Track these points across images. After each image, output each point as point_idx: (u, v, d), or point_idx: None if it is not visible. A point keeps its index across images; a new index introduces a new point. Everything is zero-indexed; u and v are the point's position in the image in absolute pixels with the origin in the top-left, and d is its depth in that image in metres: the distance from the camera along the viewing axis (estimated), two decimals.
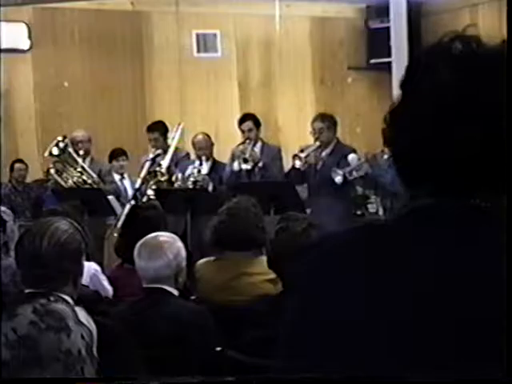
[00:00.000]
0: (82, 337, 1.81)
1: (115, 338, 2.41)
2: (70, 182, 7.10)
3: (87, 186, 7.10)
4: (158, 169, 6.90)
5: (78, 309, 1.85)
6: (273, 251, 3.05)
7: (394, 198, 6.32)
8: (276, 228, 3.05)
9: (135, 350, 2.51)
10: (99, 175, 7.25)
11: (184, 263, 3.33)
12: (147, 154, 7.26)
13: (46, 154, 7.18)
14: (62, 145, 7.09)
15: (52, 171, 7.15)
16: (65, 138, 7.18)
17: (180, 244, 3.36)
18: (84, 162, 7.27)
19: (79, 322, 1.82)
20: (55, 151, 7.08)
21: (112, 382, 2.00)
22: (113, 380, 2.01)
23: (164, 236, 3.38)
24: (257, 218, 3.82)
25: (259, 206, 3.93)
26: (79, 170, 7.14)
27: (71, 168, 7.15)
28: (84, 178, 7.13)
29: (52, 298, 2.18)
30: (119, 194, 7.56)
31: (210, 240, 3.87)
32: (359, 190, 7.74)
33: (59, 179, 7.11)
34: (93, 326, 1.86)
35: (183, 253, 3.34)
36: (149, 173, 6.95)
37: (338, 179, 6.32)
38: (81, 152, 7.27)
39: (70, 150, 7.16)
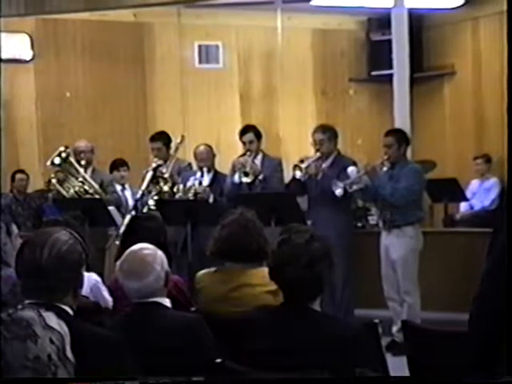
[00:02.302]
0: (52, 341, 1.82)
1: (111, 350, 2.41)
2: (72, 191, 7.10)
3: (88, 196, 7.10)
4: (160, 174, 6.90)
5: (47, 314, 1.85)
6: (274, 263, 3.04)
7: (394, 210, 6.31)
8: (278, 239, 3.04)
9: (132, 365, 2.51)
10: (101, 185, 7.25)
11: (167, 266, 3.31)
12: (148, 165, 7.27)
13: (48, 163, 7.18)
14: (64, 155, 7.09)
15: (53, 181, 7.14)
16: (67, 148, 7.19)
17: (159, 251, 3.33)
18: (86, 172, 7.27)
19: (47, 327, 1.83)
20: (57, 161, 7.09)
21: (112, 382, 2.00)
22: (113, 380, 2.01)
23: (143, 249, 3.31)
24: (258, 230, 3.82)
25: (258, 217, 3.92)
26: (81, 180, 7.15)
27: (73, 178, 7.15)
28: (86, 188, 7.13)
29: (19, 307, 2.18)
30: (120, 205, 7.56)
31: (211, 251, 3.86)
32: (359, 202, 7.74)
33: (61, 189, 7.11)
34: (64, 330, 1.86)
35: (164, 257, 3.32)
36: (151, 179, 6.96)
37: (339, 192, 6.32)
38: (83, 162, 7.26)
39: (72, 160, 7.16)
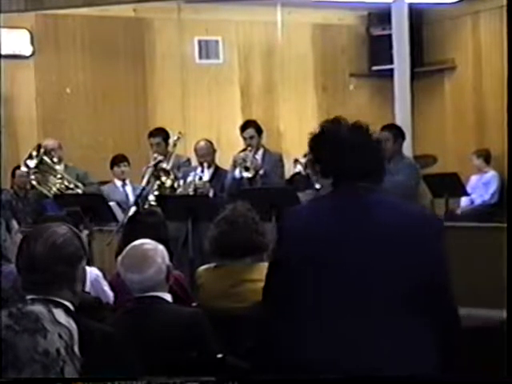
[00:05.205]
0: (60, 336, 1.82)
1: (112, 345, 2.41)
2: (54, 189, 7.13)
3: (70, 192, 7.15)
4: (161, 168, 6.90)
5: (56, 310, 1.86)
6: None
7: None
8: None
9: (135, 360, 2.51)
10: (77, 180, 7.33)
11: (168, 261, 3.32)
12: (149, 161, 7.26)
13: (23, 168, 7.20)
14: (35, 153, 7.13)
15: (34, 183, 7.18)
16: (40, 147, 7.22)
17: (160, 246, 3.35)
18: None
19: (56, 322, 1.83)
20: (31, 163, 7.12)
21: (112, 382, 2.00)
22: (113, 380, 2.01)
23: (145, 244, 3.33)
24: (255, 224, 3.81)
25: (258, 212, 3.91)
26: (59, 177, 7.18)
27: (51, 176, 7.18)
28: (65, 183, 7.18)
29: (28, 301, 2.18)
30: (110, 197, 7.56)
31: (210, 250, 3.85)
32: None
33: (43, 189, 7.15)
34: (73, 327, 1.87)
35: (165, 251, 3.33)
36: (152, 175, 6.96)
37: None
38: (55, 159, 7.33)
39: (47, 158, 7.20)
